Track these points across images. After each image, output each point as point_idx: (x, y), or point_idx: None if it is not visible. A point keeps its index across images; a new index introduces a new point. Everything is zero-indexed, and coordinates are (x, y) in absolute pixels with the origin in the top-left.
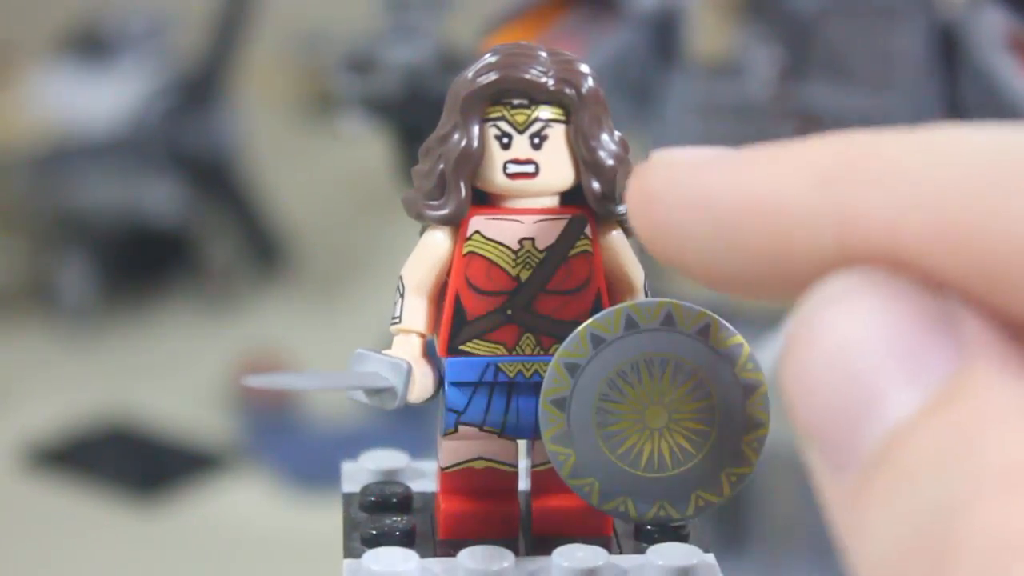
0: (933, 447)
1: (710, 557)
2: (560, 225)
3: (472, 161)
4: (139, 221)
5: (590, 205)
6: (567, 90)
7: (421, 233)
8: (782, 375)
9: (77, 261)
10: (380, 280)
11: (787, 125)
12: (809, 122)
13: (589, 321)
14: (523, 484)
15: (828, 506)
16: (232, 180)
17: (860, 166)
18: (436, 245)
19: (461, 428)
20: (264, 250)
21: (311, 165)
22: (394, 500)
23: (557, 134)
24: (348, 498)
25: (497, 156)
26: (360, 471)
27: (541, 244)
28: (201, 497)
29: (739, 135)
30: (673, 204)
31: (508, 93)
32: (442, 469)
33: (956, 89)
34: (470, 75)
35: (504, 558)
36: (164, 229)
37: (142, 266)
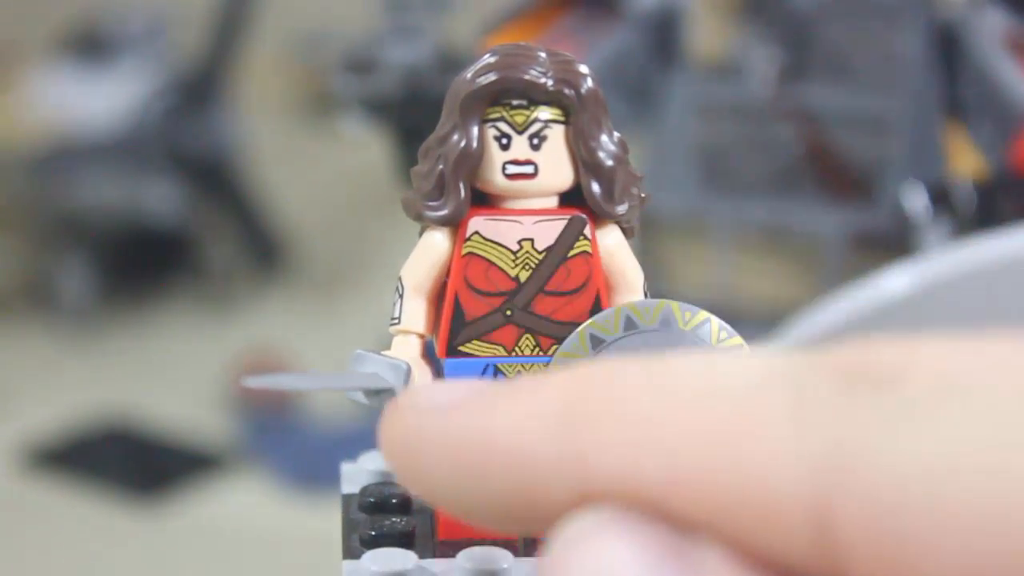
0: None
1: None
2: (559, 226)
3: (471, 162)
4: (139, 221)
5: (589, 206)
6: (566, 91)
7: (420, 234)
8: None
9: (77, 261)
10: (380, 281)
11: (787, 125)
12: (809, 122)
13: (588, 322)
14: None
15: None
16: (232, 180)
17: (595, 407)
18: (435, 246)
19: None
20: (264, 250)
21: (311, 165)
22: (393, 501)
23: (556, 135)
24: (347, 499)
25: (496, 157)
26: (359, 472)
27: (540, 245)
28: (201, 497)
29: (739, 135)
30: (421, 451)
31: (507, 94)
32: None
33: (956, 89)
34: (469, 76)
35: (503, 558)
36: (164, 229)
37: (142, 266)
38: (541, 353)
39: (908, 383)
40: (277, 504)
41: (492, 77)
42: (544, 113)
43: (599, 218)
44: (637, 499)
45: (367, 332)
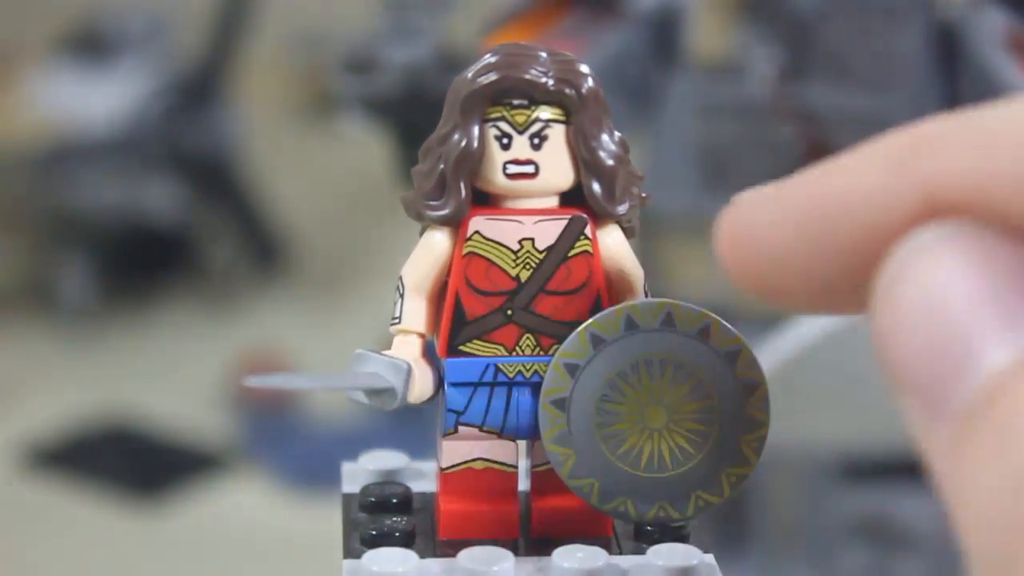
0: None
1: (709, 558)
2: (560, 225)
3: (472, 161)
4: (139, 221)
5: (590, 205)
6: (567, 90)
7: (421, 233)
8: (874, 325)
9: (77, 261)
10: (380, 280)
11: (787, 125)
12: (809, 122)
13: (589, 322)
14: (523, 484)
15: (925, 455)
16: (232, 180)
17: (933, 136)
18: (436, 245)
19: (461, 428)
20: (264, 250)
21: (311, 165)
22: (394, 501)
23: (557, 134)
24: (348, 499)
25: (497, 156)
26: (360, 471)
27: (541, 244)
28: (201, 497)
29: (739, 135)
30: (761, 230)
31: (508, 93)
32: (442, 470)
33: (956, 89)
34: (470, 75)
35: (503, 558)
36: (164, 229)
37: (142, 266)
38: (542, 353)
39: None
40: (277, 503)
41: (493, 76)
42: (545, 112)
43: (600, 218)
44: (983, 206)
45: (367, 332)
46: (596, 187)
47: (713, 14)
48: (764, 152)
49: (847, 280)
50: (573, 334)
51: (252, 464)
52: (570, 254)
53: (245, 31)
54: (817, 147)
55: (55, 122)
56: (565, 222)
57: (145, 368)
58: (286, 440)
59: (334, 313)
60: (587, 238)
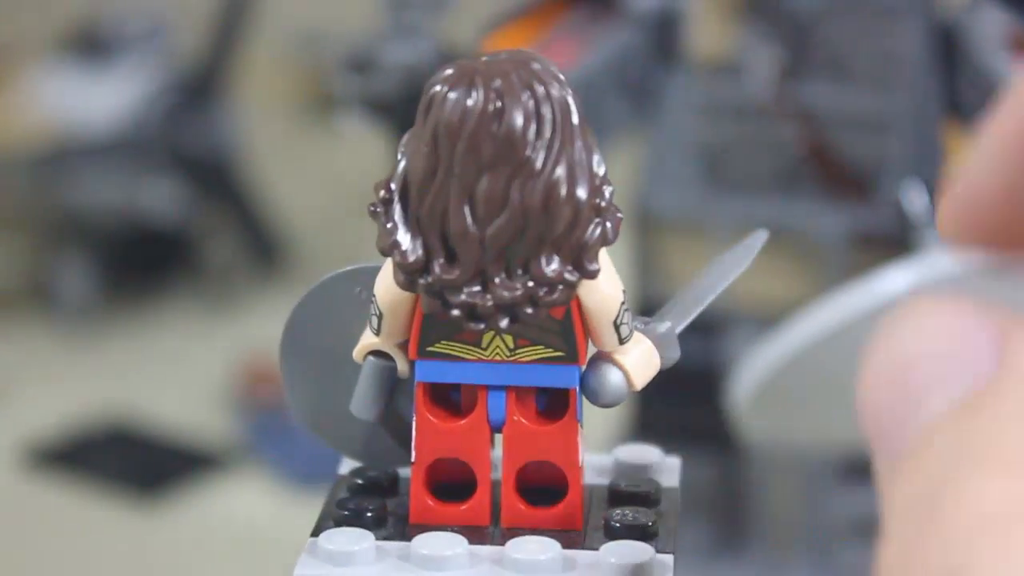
0: (948, 438)
1: (667, 558)
2: None
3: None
4: (139, 221)
5: None
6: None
7: None
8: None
9: (77, 261)
10: None
11: (787, 125)
12: (809, 122)
13: None
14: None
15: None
16: (232, 180)
17: None
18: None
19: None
20: (264, 250)
21: (311, 165)
22: (380, 484)
23: None
24: (339, 480)
25: None
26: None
27: None
28: (201, 497)
29: (739, 135)
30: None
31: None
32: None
33: (956, 89)
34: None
35: (457, 544)
36: (164, 228)
37: (142, 266)
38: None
39: None
40: (277, 503)
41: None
42: (503, 321)
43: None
44: None
45: None
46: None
47: (713, 14)
48: (764, 152)
49: None
50: None
51: (252, 464)
52: None
53: (245, 31)
54: (817, 147)
55: (55, 122)
56: None
57: (145, 368)
58: (286, 440)
59: None
60: None
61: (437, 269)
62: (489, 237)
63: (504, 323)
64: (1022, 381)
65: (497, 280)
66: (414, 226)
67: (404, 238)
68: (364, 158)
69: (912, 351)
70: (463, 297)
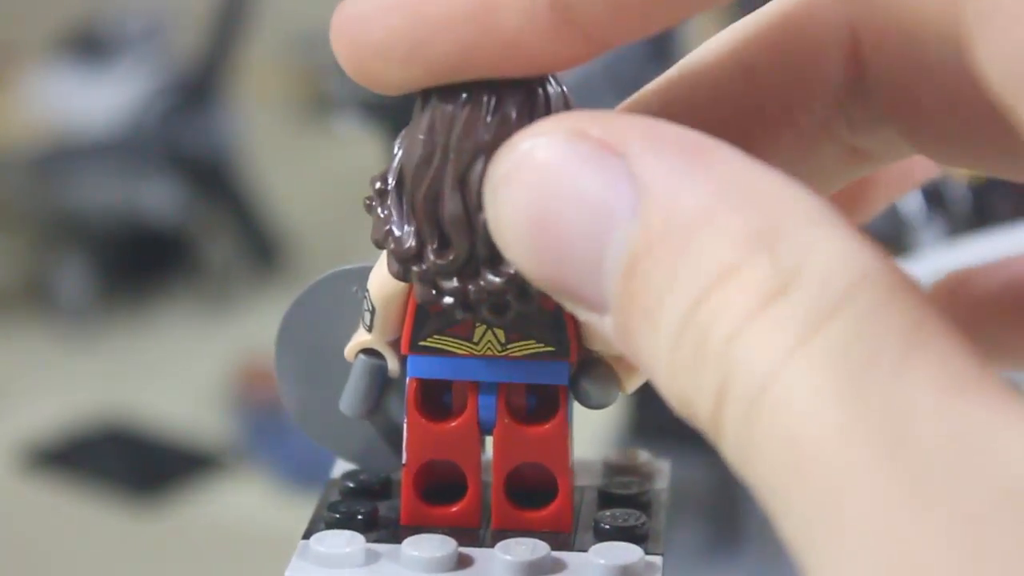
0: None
1: (656, 559)
2: None
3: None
4: (138, 221)
5: None
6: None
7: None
8: (496, 231)
9: (76, 261)
10: None
11: None
12: None
13: None
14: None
15: (614, 345)
16: (230, 180)
17: None
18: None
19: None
20: (262, 250)
21: (309, 165)
22: (372, 486)
23: None
24: (331, 483)
25: None
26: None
27: None
28: (199, 497)
29: None
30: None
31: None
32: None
33: None
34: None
35: (446, 545)
36: (163, 229)
37: (141, 266)
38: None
39: None
40: (277, 503)
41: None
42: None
43: None
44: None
45: None
46: None
47: (711, 15)
48: None
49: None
50: None
51: (251, 464)
52: None
53: (244, 31)
54: None
55: (54, 122)
56: None
57: (144, 368)
58: (284, 440)
59: None
60: None
61: (430, 255)
62: (481, 222)
63: (494, 313)
64: (662, 209)
65: (487, 267)
66: (408, 214)
67: (398, 226)
68: (361, 159)
69: (556, 214)
70: (455, 283)
